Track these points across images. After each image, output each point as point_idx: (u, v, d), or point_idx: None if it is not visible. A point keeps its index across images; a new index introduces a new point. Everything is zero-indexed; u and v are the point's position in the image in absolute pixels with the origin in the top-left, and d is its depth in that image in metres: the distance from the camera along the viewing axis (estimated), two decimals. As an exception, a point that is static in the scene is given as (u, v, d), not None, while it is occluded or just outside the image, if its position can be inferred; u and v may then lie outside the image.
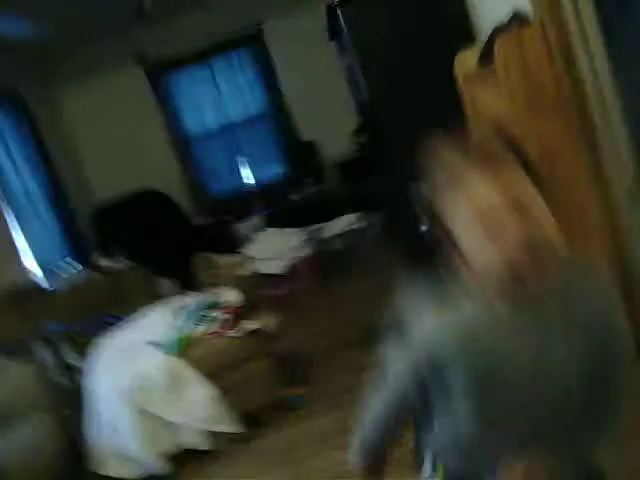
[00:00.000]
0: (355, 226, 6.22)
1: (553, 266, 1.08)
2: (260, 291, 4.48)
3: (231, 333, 3.42)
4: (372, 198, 6.24)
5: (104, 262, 5.70)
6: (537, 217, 1.05)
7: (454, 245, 1.11)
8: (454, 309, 1.17)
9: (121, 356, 3.43)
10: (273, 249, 5.60)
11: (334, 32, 3.80)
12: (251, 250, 5.53)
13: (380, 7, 3.40)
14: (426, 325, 1.19)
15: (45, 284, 5.29)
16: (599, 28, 2.65)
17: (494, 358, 1.14)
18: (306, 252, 5.86)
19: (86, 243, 6.49)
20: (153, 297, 4.99)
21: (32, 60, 6.77)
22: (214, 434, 3.25)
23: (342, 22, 3.35)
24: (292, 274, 5.62)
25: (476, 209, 1.05)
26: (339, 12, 3.34)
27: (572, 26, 2.62)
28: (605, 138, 2.68)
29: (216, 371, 3.33)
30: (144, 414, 3.17)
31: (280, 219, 6.69)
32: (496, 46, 2.69)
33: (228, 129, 7.60)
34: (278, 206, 7.12)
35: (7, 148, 5.82)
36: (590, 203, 2.74)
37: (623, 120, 2.69)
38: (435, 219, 1.14)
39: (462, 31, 3.58)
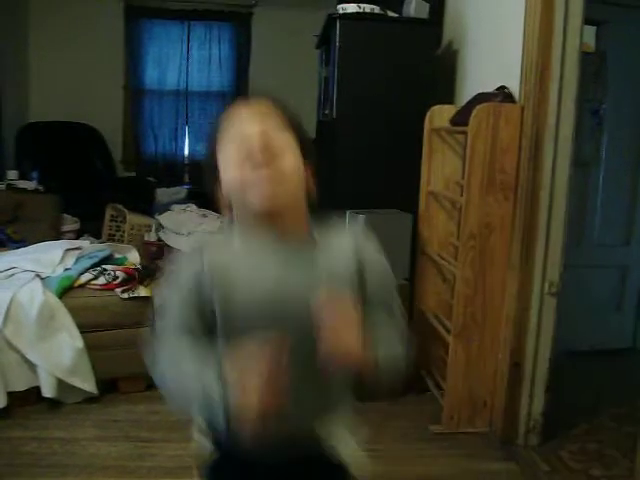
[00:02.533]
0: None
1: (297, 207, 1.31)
2: (160, 261, 4.36)
3: (119, 292, 3.30)
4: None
5: (15, 179, 5.47)
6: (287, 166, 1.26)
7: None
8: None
9: (1, 277, 3.26)
10: (186, 225, 5.48)
11: (325, 41, 3.77)
12: (165, 219, 5.39)
13: (379, 35, 3.41)
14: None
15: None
16: (572, 133, 2.72)
17: (230, 273, 1.29)
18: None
19: (4, 159, 6.22)
20: (53, 228, 4.82)
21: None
22: (66, 386, 3.12)
23: (338, 34, 3.33)
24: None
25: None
26: (338, 23, 3.32)
27: (550, 120, 2.66)
28: (543, 230, 2.74)
29: (91, 325, 3.20)
30: (7, 344, 3.02)
31: (203, 199, 6.59)
32: (474, 112, 2.71)
33: (183, 95, 7.46)
34: (205, 186, 7.00)
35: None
36: (508, 281, 2.81)
37: (565, 221, 2.76)
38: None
39: (444, 88, 3.64)
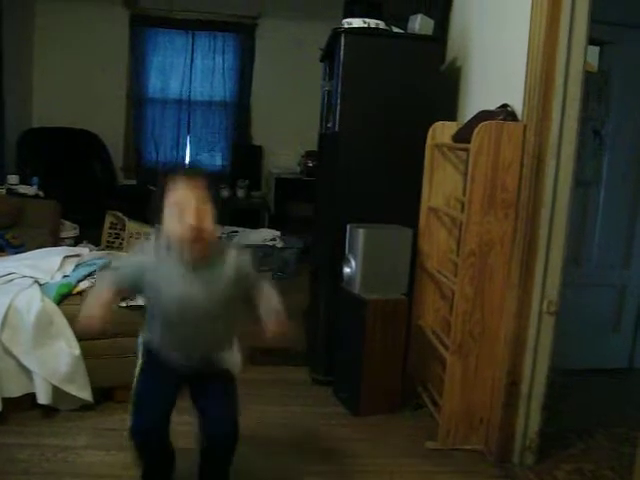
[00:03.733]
0: (271, 242, 6.15)
1: (207, 243, 2.03)
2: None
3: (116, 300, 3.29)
4: (300, 222, 6.24)
5: (15, 183, 5.47)
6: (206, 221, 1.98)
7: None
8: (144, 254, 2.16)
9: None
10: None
11: (329, 54, 3.78)
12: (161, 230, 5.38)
13: (383, 50, 3.42)
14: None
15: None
16: (574, 152, 2.72)
17: (156, 279, 2.08)
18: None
19: (5, 164, 6.21)
20: (52, 234, 4.81)
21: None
22: (61, 393, 3.11)
23: (342, 48, 3.34)
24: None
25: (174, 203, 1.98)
26: (343, 38, 3.33)
27: (553, 139, 2.67)
28: (543, 248, 2.74)
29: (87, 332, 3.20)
30: (3, 350, 3.00)
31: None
32: (476, 129, 2.72)
33: (186, 104, 7.49)
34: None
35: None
36: (507, 299, 2.81)
37: (565, 241, 2.76)
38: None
39: (447, 104, 3.65)
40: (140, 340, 2.31)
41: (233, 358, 2.32)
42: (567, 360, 3.51)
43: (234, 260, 2.16)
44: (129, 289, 2.31)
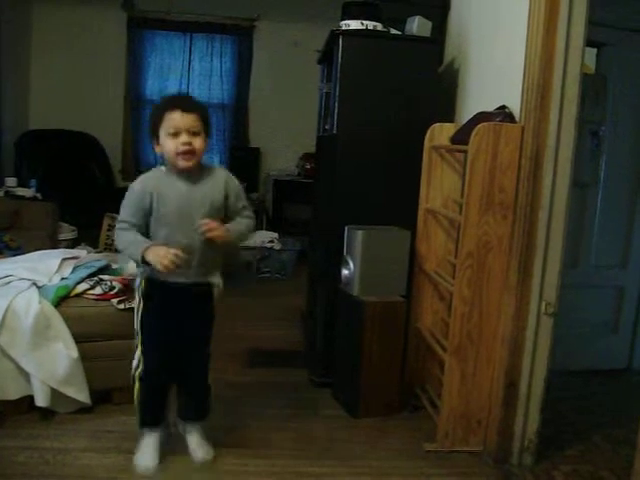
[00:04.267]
0: (270, 244, 6.16)
1: (198, 160, 2.47)
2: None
3: (115, 303, 3.29)
4: (297, 224, 6.24)
5: (13, 186, 5.47)
6: (197, 140, 2.43)
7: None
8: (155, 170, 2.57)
9: (-3, 284, 3.25)
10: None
11: (327, 56, 3.78)
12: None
13: (381, 52, 3.42)
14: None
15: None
16: (572, 154, 2.72)
17: (161, 192, 2.46)
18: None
19: (3, 166, 6.21)
20: (50, 237, 4.81)
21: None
22: (59, 395, 3.11)
23: (340, 50, 3.34)
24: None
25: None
26: (341, 39, 3.33)
27: (550, 140, 2.67)
28: (541, 250, 2.74)
29: (86, 334, 3.18)
30: (1, 352, 3.00)
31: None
32: (474, 131, 2.72)
33: (184, 106, 7.47)
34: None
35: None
36: (505, 300, 2.81)
37: (563, 242, 2.76)
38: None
39: (445, 105, 3.65)
40: (139, 276, 2.63)
41: (218, 278, 2.67)
42: (565, 361, 3.52)
43: (223, 175, 2.60)
44: (139, 220, 2.50)
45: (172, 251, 2.36)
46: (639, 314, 4.25)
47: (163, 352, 2.66)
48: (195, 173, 2.50)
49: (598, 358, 4.14)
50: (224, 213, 2.59)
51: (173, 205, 2.46)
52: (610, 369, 4.17)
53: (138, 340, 2.65)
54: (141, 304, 2.62)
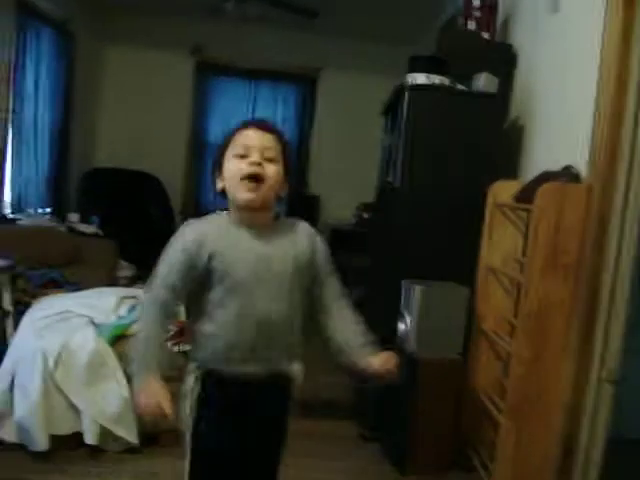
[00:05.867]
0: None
1: (270, 197, 1.86)
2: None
3: (169, 345, 3.30)
4: (352, 273, 6.21)
5: (76, 221, 5.59)
6: (271, 166, 1.83)
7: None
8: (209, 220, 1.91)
9: (55, 321, 3.30)
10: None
11: (391, 109, 3.80)
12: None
13: (447, 107, 3.43)
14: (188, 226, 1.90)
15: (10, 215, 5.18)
16: (639, 217, 2.66)
17: (225, 250, 1.81)
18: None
19: (67, 201, 6.36)
20: (109, 274, 4.88)
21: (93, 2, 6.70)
22: (108, 434, 3.11)
23: (406, 104, 3.35)
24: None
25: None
26: (407, 93, 3.35)
27: (617, 203, 2.61)
28: (604, 314, 2.67)
29: (138, 374, 3.21)
30: (55, 388, 3.03)
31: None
32: (539, 191, 2.68)
33: (246, 151, 7.58)
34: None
35: (37, 76, 5.73)
36: (564, 365, 2.73)
37: (627, 308, 2.68)
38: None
39: (508, 162, 3.62)
40: (191, 372, 1.90)
41: (300, 366, 1.97)
42: (628, 430, 3.39)
43: (307, 229, 1.99)
44: (185, 286, 1.82)
45: (164, 403, 1.73)
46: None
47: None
48: (268, 223, 1.90)
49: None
50: (310, 278, 1.94)
51: (247, 269, 1.80)
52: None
53: (186, 463, 1.93)
54: (194, 413, 1.88)
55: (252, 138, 1.82)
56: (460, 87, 3.51)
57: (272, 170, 1.82)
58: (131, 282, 5.12)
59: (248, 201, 1.80)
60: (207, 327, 1.83)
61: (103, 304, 3.54)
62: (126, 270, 5.31)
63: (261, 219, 1.87)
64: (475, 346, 3.38)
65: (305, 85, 7.60)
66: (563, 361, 2.75)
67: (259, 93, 7.63)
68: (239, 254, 1.81)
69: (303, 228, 1.99)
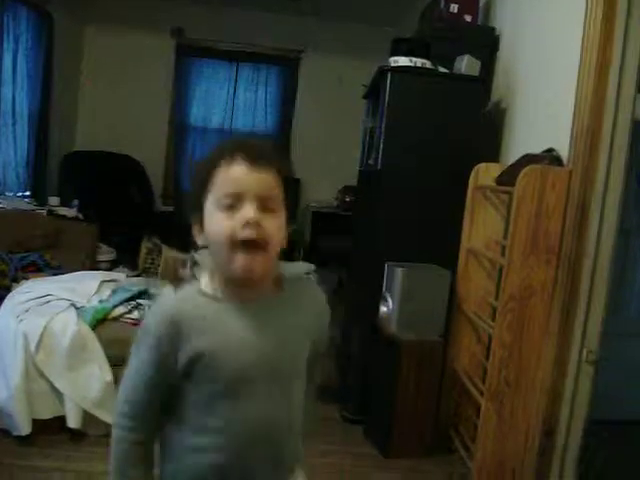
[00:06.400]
0: (306, 276, 6.13)
1: (272, 260, 1.29)
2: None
3: None
4: (334, 256, 6.22)
5: (56, 205, 5.54)
6: (272, 221, 1.26)
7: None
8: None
9: (37, 304, 3.28)
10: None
11: (373, 91, 3.79)
12: (200, 255, 5.40)
13: (429, 89, 3.42)
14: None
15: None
16: (619, 201, 2.68)
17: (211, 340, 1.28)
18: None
19: (47, 185, 6.31)
20: (89, 257, 4.85)
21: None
22: (90, 418, 3.11)
23: (388, 86, 3.35)
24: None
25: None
26: (389, 76, 3.34)
27: (598, 187, 2.63)
28: (584, 297, 2.69)
29: (120, 358, 3.18)
30: (37, 372, 3.02)
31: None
32: (521, 173, 2.69)
33: (227, 134, 7.54)
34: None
35: (15, 58, 5.66)
36: (545, 346, 2.75)
37: (607, 290, 2.71)
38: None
39: (490, 145, 3.63)
40: None
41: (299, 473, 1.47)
42: (605, 411, 3.42)
43: (319, 295, 1.47)
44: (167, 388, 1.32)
45: None
46: (680, 365, 4.14)
47: None
48: (270, 295, 1.36)
49: (637, 408, 4.03)
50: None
51: (242, 361, 1.28)
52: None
53: None
54: None
55: (244, 181, 1.25)
56: (442, 70, 3.51)
57: (274, 226, 1.26)
58: (112, 266, 5.10)
59: (244, 275, 1.26)
60: (185, 438, 1.32)
61: (84, 288, 3.53)
62: (107, 254, 5.28)
63: (261, 291, 1.34)
64: (456, 328, 3.40)
65: (287, 67, 7.55)
66: (544, 343, 2.77)
67: (240, 75, 7.57)
68: (233, 349, 1.28)
69: (315, 293, 1.47)
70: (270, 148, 1.33)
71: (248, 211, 1.23)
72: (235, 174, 1.25)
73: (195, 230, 1.33)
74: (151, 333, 1.29)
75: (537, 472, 2.80)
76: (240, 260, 1.23)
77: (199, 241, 1.33)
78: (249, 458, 1.31)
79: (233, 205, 1.24)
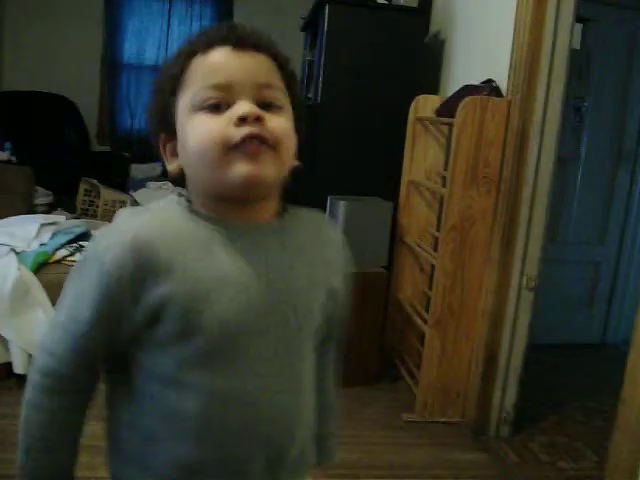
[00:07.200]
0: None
1: (277, 172, 0.93)
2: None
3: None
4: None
5: (-12, 148, 5.39)
6: (275, 119, 0.92)
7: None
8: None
9: (-25, 250, 3.21)
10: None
11: (311, 24, 3.74)
12: (139, 196, 5.33)
13: (367, 21, 3.39)
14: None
15: None
16: (558, 130, 2.73)
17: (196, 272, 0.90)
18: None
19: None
20: (25, 201, 4.75)
21: None
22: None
23: (326, 19, 3.31)
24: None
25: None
26: (327, 8, 3.30)
27: (537, 116, 2.67)
28: (524, 225, 2.75)
29: (64, 301, 3.17)
30: (-21, 317, 2.98)
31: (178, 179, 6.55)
32: (461, 104, 2.71)
33: (162, 71, 7.38)
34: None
35: None
36: (486, 274, 2.83)
37: (546, 218, 2.78)
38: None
39: (430, 77, 3.63)
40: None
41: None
42: (541, 335, 3.55)
43: (335, 232, 1.16)
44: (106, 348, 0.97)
45: None
46: (614, 290, 4.30)
47: None
48: (272, 222, 1.00)
49: (574, 332, 4.19)
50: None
51: (237, 316, 0.92)
52: (585, 343, 4.23)
53: None
54: None
55: (231, 68, 0.92)
56: (381, 1, 3.48)
57: (281, 125, 0.92)
58: (50, 209, 4.99)
59: (247, 183, 0.90)
60: (146, 424, 0.97)
61: (23, 232, 3.46)
62: (44, 197, 5.16)
63: (261, 214, 0.98)
64: (399, 259, 3.45)
65: (221, 1, 7.38)
66: (485, 271, 2.84)
67: (174, 10, 7.37)
68: (227, 290, 0.91)
69: (329, 229, 1.15)
70: (259, 32, 0.98)
71: (242, 106, 0.89)
72: (217, 59, 0.92)
73: (166, 152, 1.00)
74: (99, 265, 0.90)
75: (480, 395, 2.90)
76: (241, 165, 0.88)
77: (171, 166, 0.99)
78: (236, 454, 0.95)
79: (219, 105, 0.90)
